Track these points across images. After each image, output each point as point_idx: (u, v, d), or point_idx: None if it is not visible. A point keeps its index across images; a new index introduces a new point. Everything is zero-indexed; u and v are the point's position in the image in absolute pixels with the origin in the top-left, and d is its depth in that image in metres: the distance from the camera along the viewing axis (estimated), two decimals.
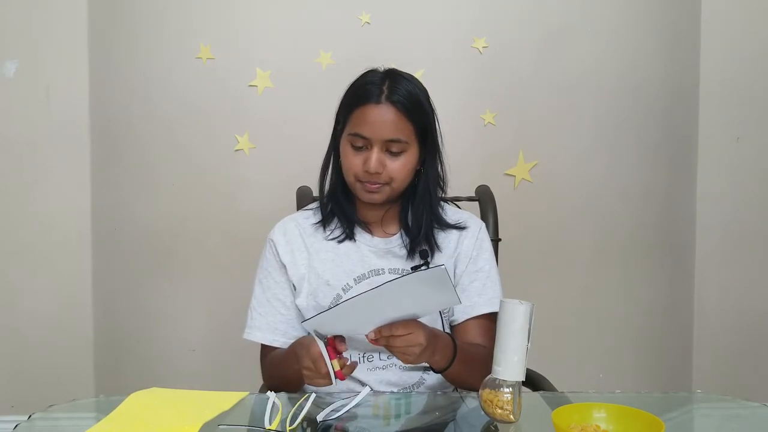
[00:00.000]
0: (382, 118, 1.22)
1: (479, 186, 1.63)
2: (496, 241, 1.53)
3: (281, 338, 1.29)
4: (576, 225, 2.35)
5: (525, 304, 1.00)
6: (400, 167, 1.24)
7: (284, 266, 1.31)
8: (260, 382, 1.38)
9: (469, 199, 1.60)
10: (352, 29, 2.25)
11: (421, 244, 1.30)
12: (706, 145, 2.37)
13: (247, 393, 1.13)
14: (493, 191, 1.60)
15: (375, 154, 1.22)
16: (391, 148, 1.23)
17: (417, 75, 1.27)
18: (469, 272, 1.32)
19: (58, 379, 2.24)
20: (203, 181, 2.29)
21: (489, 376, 1.02)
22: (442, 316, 1.30)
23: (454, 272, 1.33)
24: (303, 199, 1.52)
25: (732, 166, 2.38)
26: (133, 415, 1.03)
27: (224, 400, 1.09)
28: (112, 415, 1.02)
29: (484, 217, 1.54)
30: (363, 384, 1.26)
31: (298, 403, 1.05)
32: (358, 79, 1.28)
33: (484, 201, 1.57)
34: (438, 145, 1.31)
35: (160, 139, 2.27)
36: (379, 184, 1.24)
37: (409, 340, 1.06)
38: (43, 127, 2.22)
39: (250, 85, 2.27)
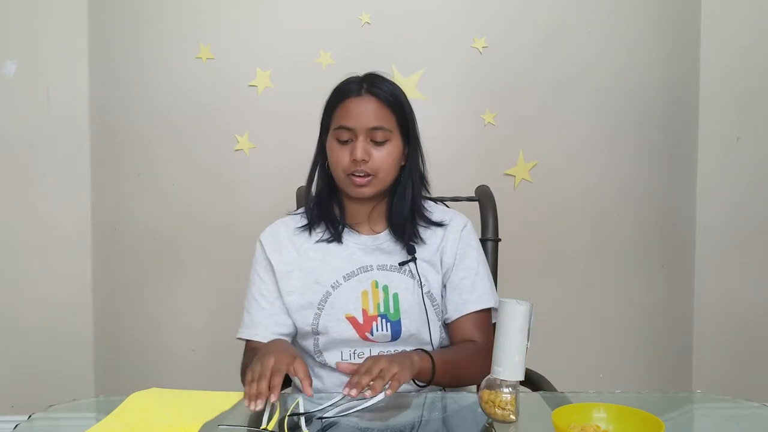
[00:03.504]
0: (365, 108, 1.27)
1: (479, 186, 1.63)
2: (496, 241, 1.53)
3: (262, 332, 1.31)
4: (576, 225, 2.35)
5: (524, 303, 1.00)
6: (385, 156, 1.28)
7: (270, 264, 1.34)
8: None
9: (469, 199, 1.60)
10: (352, 29, 2.25)
11: (410, 236, 1.33)
12: (706, 145, 2.37)
13: None
14: (493, 191, 1.60)
15: (360, 143, 1.26)
16: (375, 137, 1.27)
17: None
18: (457, 270, 1.35)
19: (58, 379, 2.24)
20: (203, 181, 2.29)
21: (489, 376, 1.02)
22: (434, 311, 1.32)
23: (441, 267, 1.35)
24: (303, 199, 1.52)
25: (732, 166, 2.38)
26: (133, 415, 1.03)
27: (224, 400, 1.09)
28: (112, 415, 1.02)
29: (484, 217, 1.54)
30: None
31: (296, 402, 1.05)
32: (337, 85, 1.33)
33: (484, 201, 1.57)
34: (419, 143, 1.35)
35: (160, 139, 2.28)
36: (368, 176, 1.27)
37: (383, 373, 1.07)
38: (43, 127, 2.22)
39: (250, 85, 2.27)
